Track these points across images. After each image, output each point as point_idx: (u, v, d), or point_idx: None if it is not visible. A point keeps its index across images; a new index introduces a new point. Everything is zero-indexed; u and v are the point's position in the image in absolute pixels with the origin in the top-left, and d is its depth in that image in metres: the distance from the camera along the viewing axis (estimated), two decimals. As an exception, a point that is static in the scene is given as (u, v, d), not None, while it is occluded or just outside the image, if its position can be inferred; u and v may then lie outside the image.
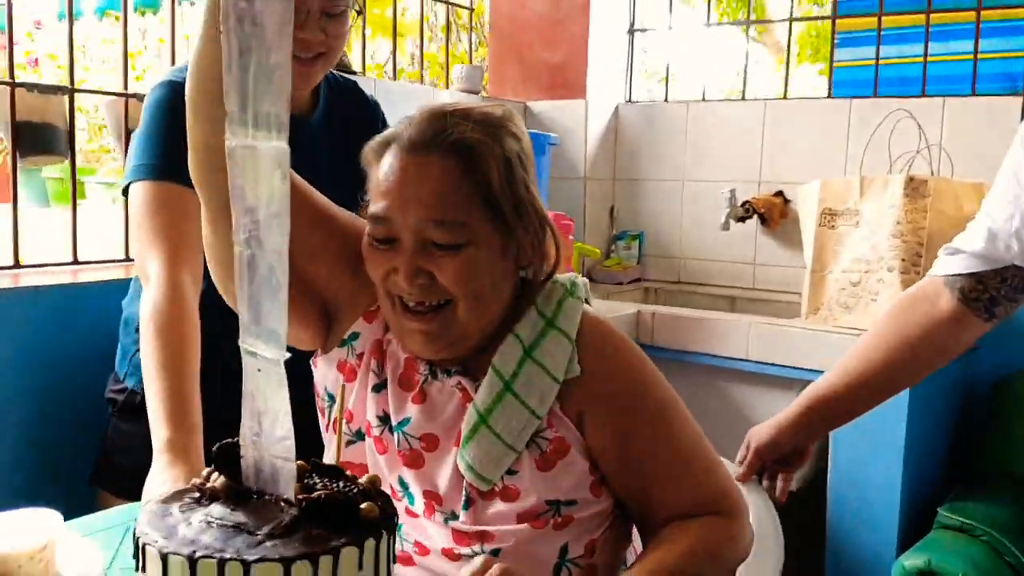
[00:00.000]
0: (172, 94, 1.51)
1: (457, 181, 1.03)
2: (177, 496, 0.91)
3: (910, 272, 2.10)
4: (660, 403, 1.12)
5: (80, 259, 2.13)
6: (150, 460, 1.32)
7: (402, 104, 2.74)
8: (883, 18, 2.83)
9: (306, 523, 0.83)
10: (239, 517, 0.84)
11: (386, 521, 0.86)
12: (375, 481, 0.91)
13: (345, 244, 1.14)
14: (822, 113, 2.78)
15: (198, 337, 1.36)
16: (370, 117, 1.73)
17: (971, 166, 2.40)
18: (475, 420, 1.08)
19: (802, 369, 2.11)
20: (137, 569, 0.83)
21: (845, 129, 2.70)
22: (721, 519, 1.10)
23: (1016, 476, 2.26)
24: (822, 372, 2.10)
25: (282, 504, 0.86)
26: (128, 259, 2.20)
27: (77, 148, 2.13)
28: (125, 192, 1.53)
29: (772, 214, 2.82)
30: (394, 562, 0.88)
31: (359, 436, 1.17)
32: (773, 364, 2.14)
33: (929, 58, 2.80)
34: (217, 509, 0.86)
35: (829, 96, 2.94)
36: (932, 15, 2.76)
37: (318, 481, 0.88)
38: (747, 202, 2.80)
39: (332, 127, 1.67)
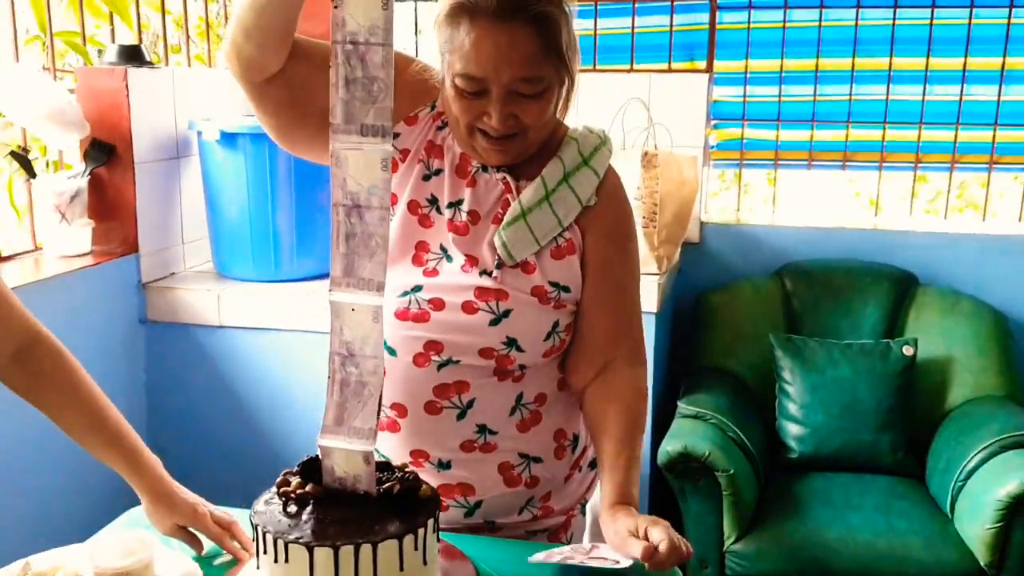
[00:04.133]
0: None
1: (538, 45, 1.32)
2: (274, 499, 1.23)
3: (649, 227, 2.72)
4: (634, 253, 1.54)
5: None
6: None
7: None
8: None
9: (387, 508, 1.20)
10: (344, 513, 1.19)
11: (436, 497, 1.25)
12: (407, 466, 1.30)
13: None
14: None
15: None
16: None
17: (683, 135, 3.10)
18: (517, 212, 1.43)
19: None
20: (275, 562, 1.15)
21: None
22: (640, 369, 1.52)
23: (722, 369, 3.03)
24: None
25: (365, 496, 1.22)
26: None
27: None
28: None
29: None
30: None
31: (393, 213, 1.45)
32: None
33: (636, 29, 3.38)
34: (320, 509, 1.19)
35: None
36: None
37: (380, 475, 1.25)
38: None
39: None
